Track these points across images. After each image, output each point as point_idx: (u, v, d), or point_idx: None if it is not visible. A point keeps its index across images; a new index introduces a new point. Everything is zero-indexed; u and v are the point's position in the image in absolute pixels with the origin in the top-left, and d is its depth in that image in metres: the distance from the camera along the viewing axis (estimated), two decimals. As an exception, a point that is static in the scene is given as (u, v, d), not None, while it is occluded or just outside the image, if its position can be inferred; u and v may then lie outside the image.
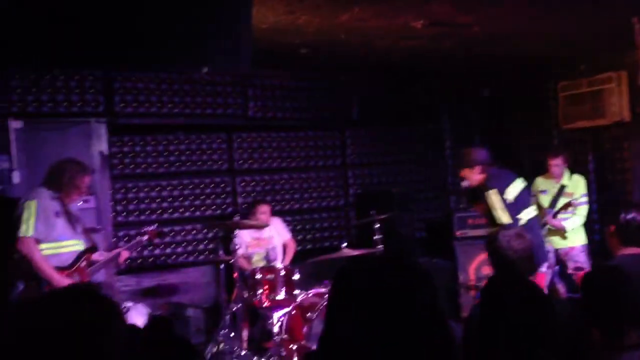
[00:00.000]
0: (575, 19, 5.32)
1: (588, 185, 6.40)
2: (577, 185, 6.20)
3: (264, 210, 6.19)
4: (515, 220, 4.92)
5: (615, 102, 6.59)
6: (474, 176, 5.18)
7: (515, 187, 5.11)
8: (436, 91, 8.07)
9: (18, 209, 4.37)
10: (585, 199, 6.19)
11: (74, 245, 4.60)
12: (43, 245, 4.38)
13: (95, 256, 4.75)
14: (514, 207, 4.96)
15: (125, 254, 4.97)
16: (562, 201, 6.08)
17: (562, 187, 6.17)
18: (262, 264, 6.01)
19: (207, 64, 4.12)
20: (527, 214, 5.05)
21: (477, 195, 5.33)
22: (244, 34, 3.19)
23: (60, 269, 4.42)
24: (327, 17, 4.96)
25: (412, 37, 5.70)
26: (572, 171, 6.29)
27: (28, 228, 4.28)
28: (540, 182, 6.39)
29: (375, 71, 7.32)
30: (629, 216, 3.61)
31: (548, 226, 5.94)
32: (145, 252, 6.22)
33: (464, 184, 5.35)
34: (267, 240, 6.24)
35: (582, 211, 6.13)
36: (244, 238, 6.14)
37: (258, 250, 6.19)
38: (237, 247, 5.60)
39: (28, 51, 3.36)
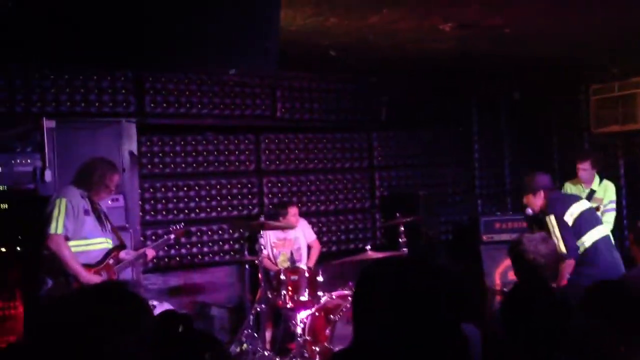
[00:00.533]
0: (607, 21, 5.23)
1: (619, 191, 6.29)
2: (606, 191, 6.11)
3: (294, 212, 6.23)
4: (572, 250, 4.82)
5: (648, 107, 6.48)
6: (537, 202, 5.10)
7: (576, 209, 5.00)
8: (465, 93, 8.02)
9: (48, 206, 4.46)
10: (612, 205, 6.08)
11: (103, 243, 4.68)
12: (72, 243, 4.46)
13: (123, 254, 4.83)
14: (575, 231, 4.87)
15: (151, 253, 5.04)
16: (590, 206, 5.99)
17: (592, 192, 6.08)
18: (286, 264, 6.04)
19: (235, 66, 4.17)
20: (592, 236, 4.93)
21: (539, 221, 5.23)
22: (271, 36, 3.22)
23: (88, 266, 4.50)
24: (356, 19, 4.97)
25: (441, 40, 5.67)
26: (602, 176, 6.19)
27: (57, 226, 4.37)
28: (569, 187, 6.31)
29: (403, 73, 7.29)
30: None
31: None
32: (172, 251, 6.29)
33: (528, 212, 5.26)
34: (293, 241, 6.27)
35: (609, 218, 6.02)
36: (269, 238, 6.18)
37: (283, 251, 6.22)
38: (262, 247, 5.64)
39: (61, 52, 3.43)
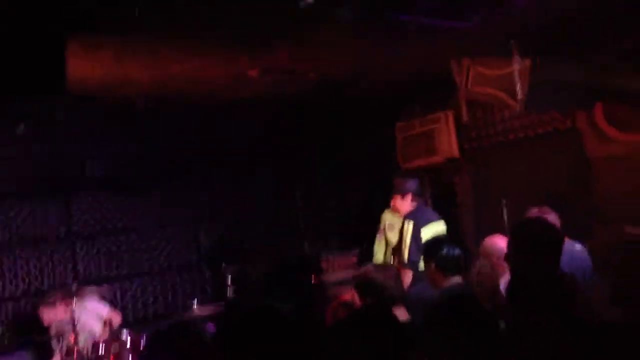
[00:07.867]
0: (398, 61, 5.53)
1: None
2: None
3: None
4: (413, 263, 4.99)
5: (444, 140, 6.95)
6: (404, 206, 5.35)
7: (432, 229, 5.20)
8: (282, 135, 8.05)
9: None
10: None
11: None
12: None
13: None
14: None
15: None
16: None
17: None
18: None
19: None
20: None
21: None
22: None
23: None
24: (158, 69, 4.79)
25: (249, 86, 5.66)
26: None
27: None
28: (388, 216, 6.53)
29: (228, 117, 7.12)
30: (444, 251, 3.94)
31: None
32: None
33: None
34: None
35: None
36: None
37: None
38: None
39: None
